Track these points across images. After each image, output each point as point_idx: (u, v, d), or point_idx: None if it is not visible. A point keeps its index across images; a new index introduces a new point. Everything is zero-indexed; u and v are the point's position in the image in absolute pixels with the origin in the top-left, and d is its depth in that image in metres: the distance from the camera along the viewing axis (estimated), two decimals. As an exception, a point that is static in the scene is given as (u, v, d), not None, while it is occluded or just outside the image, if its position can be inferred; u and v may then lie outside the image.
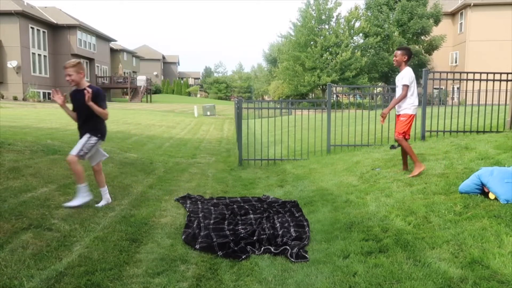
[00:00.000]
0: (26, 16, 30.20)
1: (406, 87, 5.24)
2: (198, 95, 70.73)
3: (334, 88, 9.15)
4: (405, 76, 5.25)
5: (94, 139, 4.61)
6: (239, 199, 5.52)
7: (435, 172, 5.06)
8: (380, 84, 35.40)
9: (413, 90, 5.31)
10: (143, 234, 3.96)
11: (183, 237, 3.91)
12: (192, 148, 11.50)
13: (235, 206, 5.04)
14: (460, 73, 8.17)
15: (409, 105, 5.30)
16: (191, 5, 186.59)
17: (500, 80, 7.84)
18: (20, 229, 3.72)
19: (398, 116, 5.44)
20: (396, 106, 5.42)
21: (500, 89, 7.84)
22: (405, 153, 5.50)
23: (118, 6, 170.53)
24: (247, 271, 3.18)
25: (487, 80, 7.78)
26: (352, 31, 34.67)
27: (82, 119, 4.64)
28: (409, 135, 5.41)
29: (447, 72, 8.27)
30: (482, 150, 5.74)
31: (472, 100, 9.11)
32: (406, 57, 5.31)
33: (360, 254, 3.30)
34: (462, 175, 4.64)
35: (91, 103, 4.40)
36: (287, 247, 3.57)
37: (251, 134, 9.94)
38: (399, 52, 5.35)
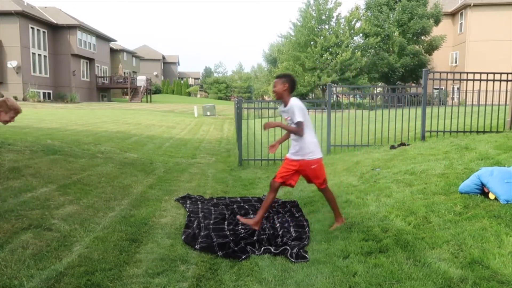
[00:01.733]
0: (26, 16, 30.17)
1: (302, 124, 3.93)
2: (198, 95, 70.71)
3: (334, 88, 9.15)
4: (296, 110, 3.92)
5: None
6: (239, 199, 5.52)
7: (435, 172, 5.05)
8: (380, 84, 35.38)
9: (309, 124, 4.08)
10: (143, 234, 3.96)
11: (183, 237, 3.91)
12: (192, 148, 11.50)
13: (235, 206, 5.04)
14: (460, 73, 8.17)
15: (315, 147, 4.16)
16: (191, 5, 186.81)
17: (500, 80, 7.84)
18: (20, 229, 3.72)
19: (292, 160, 4.13)
20: (293, 149, 4.14)
21: (500, 89, 7.84)
22: (333, 201, 4.17)
23: (118, 6, 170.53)
24: (247, 271, 3.19)
25: (487, 80, 7.78)
26: (352, 31, 34.66)
27: None
28: (326, 180, 4.23)
29: (447, 72, 8.26)
30: (482, 150, 5.73)
31: (472, 100, 9.10)
32: (287, 85, 4.06)
33: (360, 254, 3.30)
34: (462, 175, 4.64)
35: None
36: (287, 247, 3.57)
37: (251, 134, 9.94)
38: (278, 80, 4.09)
